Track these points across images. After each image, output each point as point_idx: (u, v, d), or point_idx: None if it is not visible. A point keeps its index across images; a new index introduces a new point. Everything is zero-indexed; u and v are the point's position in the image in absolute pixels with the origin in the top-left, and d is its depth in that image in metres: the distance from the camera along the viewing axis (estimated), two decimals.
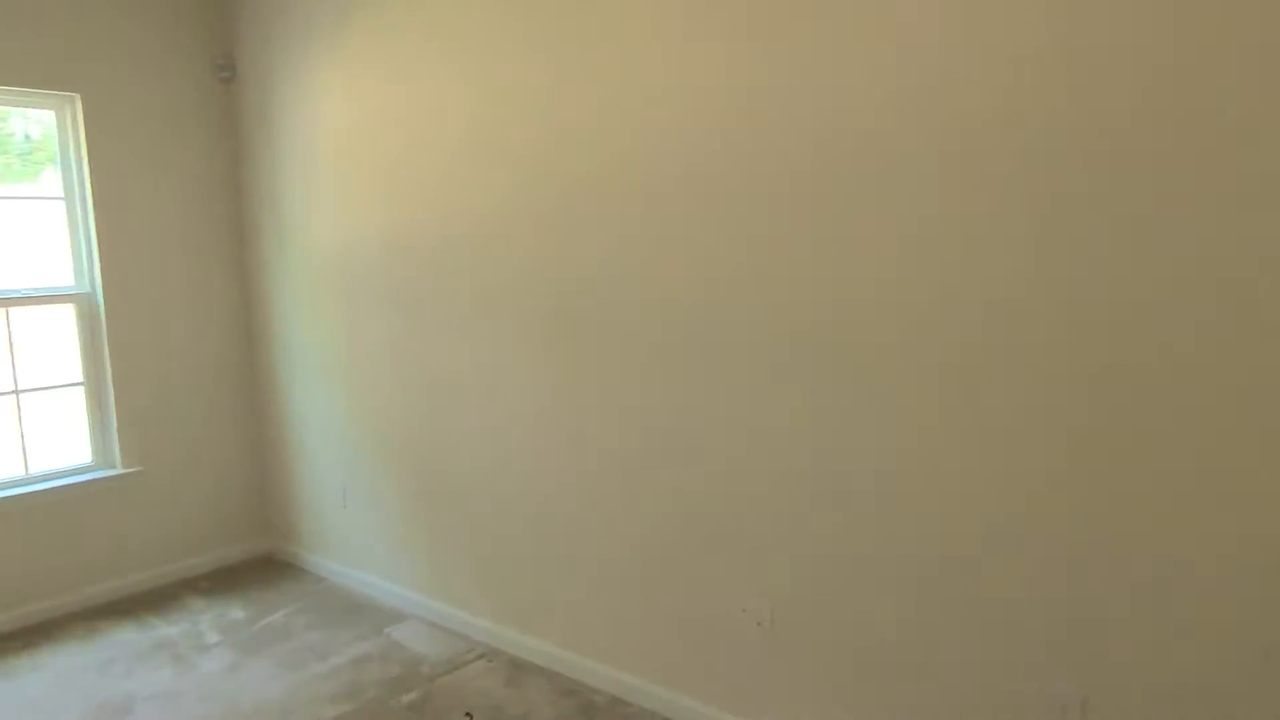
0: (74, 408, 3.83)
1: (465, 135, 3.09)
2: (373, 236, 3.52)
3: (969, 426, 2.10)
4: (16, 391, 3.65)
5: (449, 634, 3.41)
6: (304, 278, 3.90)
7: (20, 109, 3.64)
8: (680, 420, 2.64)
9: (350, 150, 3.55)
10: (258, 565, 4.24)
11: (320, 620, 3.58)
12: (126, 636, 3.49)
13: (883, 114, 2.13)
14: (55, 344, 3.77)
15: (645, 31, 2.54)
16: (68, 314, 3.77)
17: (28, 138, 3.73)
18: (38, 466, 3.72)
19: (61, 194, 3.73)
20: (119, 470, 3.87)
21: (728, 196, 2.44)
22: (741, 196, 2.41)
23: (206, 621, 3.60)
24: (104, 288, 3.77)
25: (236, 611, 3.69)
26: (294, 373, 4.05)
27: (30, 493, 3.62)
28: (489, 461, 3.22)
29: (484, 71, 2.99)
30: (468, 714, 2.79)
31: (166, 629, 3.55)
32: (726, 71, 2.39)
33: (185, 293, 4.03)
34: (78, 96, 3.66)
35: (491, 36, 2.94)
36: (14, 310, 3.61)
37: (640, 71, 2.57)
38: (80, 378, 3.81)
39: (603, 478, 2.87)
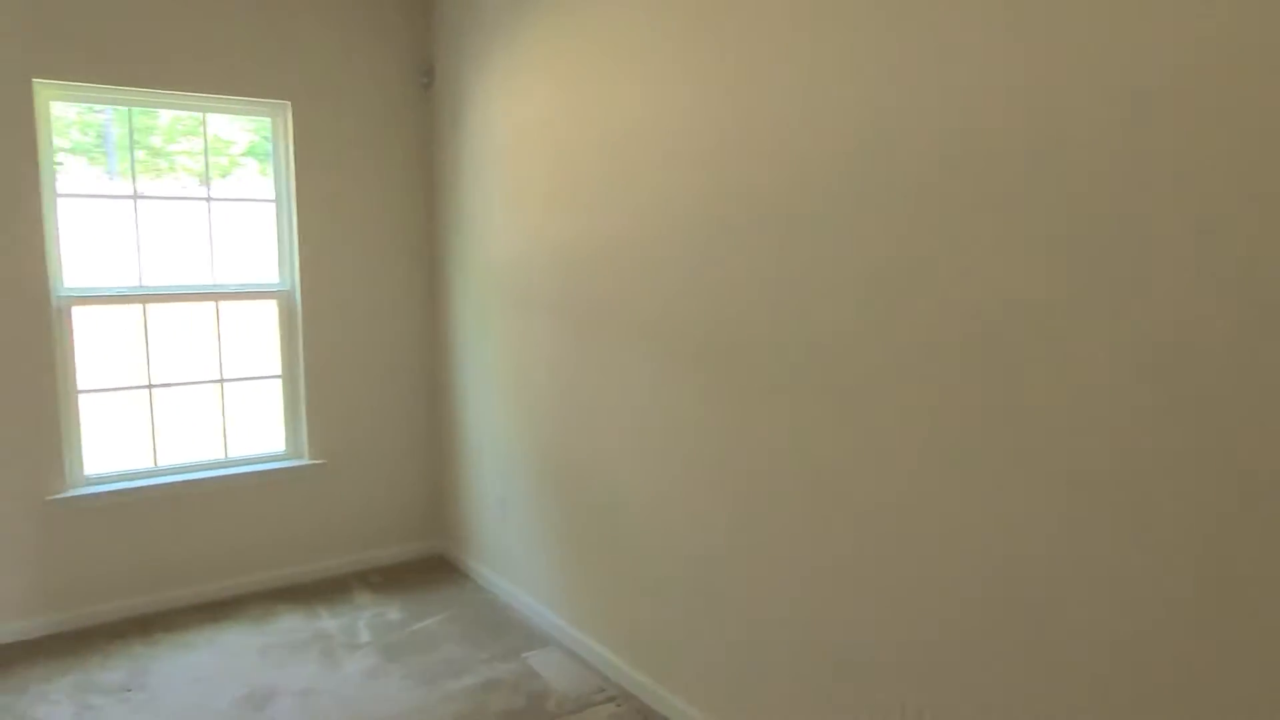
0: (272, 399, 4.05)
1: (635, 148, 2.87)
2: (542, 246, 3.40)
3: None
4: (221, 380, 3.90)
5: (585, 667, 3.21)
6: (480, 284, 3.87)
7: (239, 116, 3.90)
8: (869, 485, 2.26)
9: (523, 159, 3.46)
10: (428, 565, 4.28)
11: (466, 632, 3.52)
12: (292, 624, 3.61)
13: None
14: (259, 337, 4.00)
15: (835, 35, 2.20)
16: (270, 310, 3.99)
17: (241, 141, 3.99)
18: (236, 452, 3.97)
19: (273, 196, 3.95)
20: (306, 461, 4.04)
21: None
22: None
23: (365, 619, 3.65)
24: (302, 287, 3.95)
25: (394, 612, 3.72)
26: (466, 379, 4.05)
27: (227, 475, 3.86)
28: (646, 495, 2.96)
29: (653, 79, 2.76)
30: None
31: (328, 621, 3.64)
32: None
33: (376, 295, 4.15)
34: (289, 104, 3.86)
35: (661, 43, 2.71)
36: (223, 304, 3.87)
37: (829, 71, 2.23)
38: (279, 370, 4.03)
39: (761, 538, 2.53)
